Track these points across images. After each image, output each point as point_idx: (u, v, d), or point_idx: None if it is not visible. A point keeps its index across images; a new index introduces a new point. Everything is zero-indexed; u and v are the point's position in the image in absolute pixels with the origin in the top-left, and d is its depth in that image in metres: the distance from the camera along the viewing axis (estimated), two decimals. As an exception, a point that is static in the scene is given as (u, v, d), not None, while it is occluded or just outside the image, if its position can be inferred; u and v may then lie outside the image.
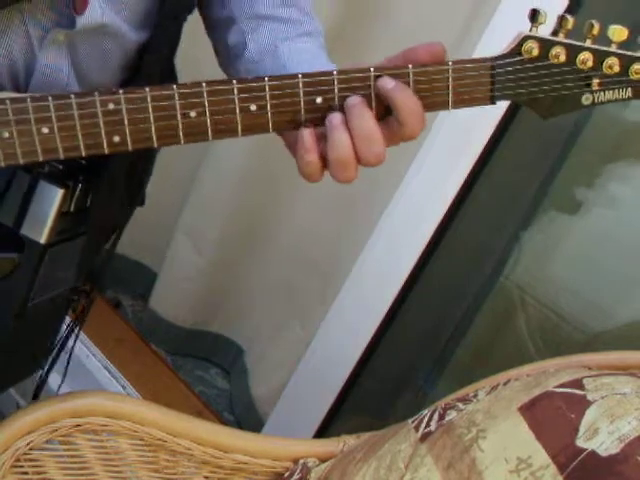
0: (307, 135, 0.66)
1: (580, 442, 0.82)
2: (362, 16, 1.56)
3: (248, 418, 1.80)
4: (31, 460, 0.96)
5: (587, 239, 1.33)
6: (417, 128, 0.67)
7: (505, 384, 0.96)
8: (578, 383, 0.88)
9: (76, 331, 1.04)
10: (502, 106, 1.22)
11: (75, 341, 1.05)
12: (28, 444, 0.94)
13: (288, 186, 1.77)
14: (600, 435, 0.82)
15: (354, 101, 0.66)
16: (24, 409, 0.96)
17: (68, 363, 1.08)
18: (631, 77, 0.67)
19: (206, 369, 2.00)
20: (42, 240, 0.76)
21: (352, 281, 1.40)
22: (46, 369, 1.06)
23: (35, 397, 1.08)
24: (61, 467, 0.99)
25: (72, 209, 0.77)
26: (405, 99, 0.65)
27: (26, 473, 0.95)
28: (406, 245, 1.33)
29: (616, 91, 0.68)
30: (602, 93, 0.68)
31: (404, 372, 1.51)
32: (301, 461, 1.04)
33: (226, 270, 1.92)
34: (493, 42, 1.18)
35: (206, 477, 1.03)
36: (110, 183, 0.81)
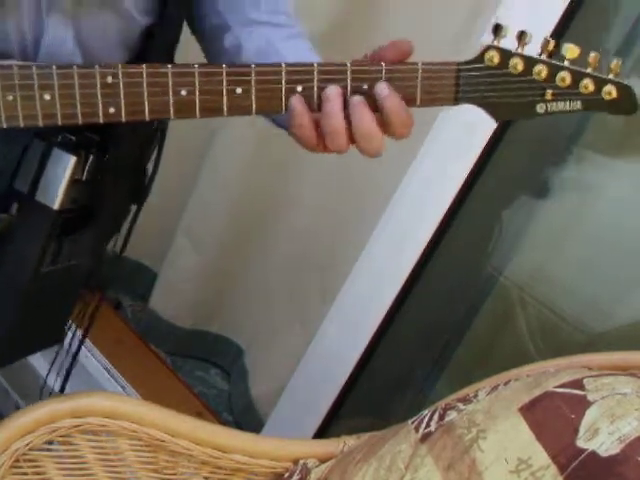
0: (296, 100, 0.72)
1: (580, 442, 0.82)
2: (363, 12, 1.56)
3: (248, 418, 1.80)
4: (30, 460, 0.96)
5: (587, 239, 1.33)
6: (404, 131, 0.73)
7: (505, 384, 0.96)
8: (578, 383, 0.88)
9: (80, 336, 1.05)
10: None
11: (79, 347, 1.06)
12: (27, 444, 0.94)
13: (288, 187, 1.77)
14: (600, 435, 0.81)
15: (355, 101, 0.72)
16: (23, 409, 0.96)
17: (71, 368, 1.08)
18: (581, 91, 0.73)
19: (206, 369, 2.00)
20: (55, 206, 0.79)
21: (352, 281, 1.39)
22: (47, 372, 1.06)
23: None
24: (60, 467, 0.98)
25: (84, 178, 0.81)
26: (394, 107, 0.72)
27: (25, 474, 0.95)
28: (406, 245, 1.33)
29: (567, 102, 0.74)
30: (555, 103, 0.74)
31: (404, 372, 1.51)
32: (301, 462, 1.03)
33: (226, 270, 1.92)
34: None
35: (205, 477, 1.03)
36: (116, 162, 0.84)
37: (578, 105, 0.74)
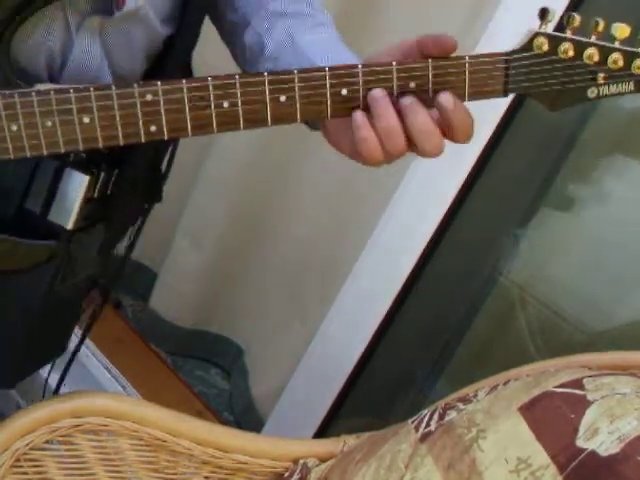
0: (358, 114, 0.70)
1: (580, 442, 0.82)
2: (363, 12, 1.56)
3: (248, 418, 1.80)
4: (31, 460, 0.96)
5: (587, 239, 1.33)
6: (467, 136, 0.71)
7: (505, 384, 0.96)
8: (578, 383, 0.88)
9: (80, 335, 1.05)
10: (502, 104, 1.22)
11: (80, 345, 1.06)
12: (28, 444, 0.94)
13: (288, 188, 1.77)
14: (600, 435, 0.81)
15: (407, 102, 0.69)
16: (24, 409, 0.96)
17: (69, 365, 1.08)
18: (634, 72, 0.70)
19: (206, 369, 2.00)
20: (69, 226, 0.78)
21: (352, 281, 1.40)
22: (49, 372, 1.07)
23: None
24: (61, 467, 0.99)
25: (95, 195, 0.79)
26: (461, 120, 0.69)
27: (26, 473, 0.95)
28: (406, 244, 1.33)
29: (620, 85, 0.71)
30: (607, 87, 0.72)
31: (404, 372, 1.51)
32: (301, 461, 1.04)
33: (226, 270, 1.92)
34: (494, 38, 1.18)
35: (206, 477, 1.03)
36: (133, 174, 0.83)
37: (631, 87, 0.71)
